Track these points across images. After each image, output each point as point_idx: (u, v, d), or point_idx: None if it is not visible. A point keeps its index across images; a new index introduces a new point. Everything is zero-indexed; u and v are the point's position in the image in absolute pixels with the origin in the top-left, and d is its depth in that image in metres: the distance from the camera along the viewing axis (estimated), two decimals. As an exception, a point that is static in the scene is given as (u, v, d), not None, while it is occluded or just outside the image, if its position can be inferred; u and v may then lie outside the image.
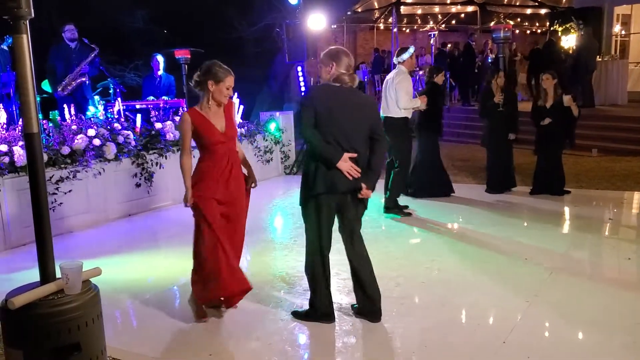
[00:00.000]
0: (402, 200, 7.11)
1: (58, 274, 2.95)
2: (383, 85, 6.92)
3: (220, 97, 3.95)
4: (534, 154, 7.75)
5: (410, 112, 6.79)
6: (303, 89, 11.49)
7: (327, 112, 3.66)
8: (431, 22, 22.91)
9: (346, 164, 3.66)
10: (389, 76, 6.87)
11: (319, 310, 3.95)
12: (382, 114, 6.69)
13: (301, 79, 11.48)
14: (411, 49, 6.77)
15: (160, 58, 9.12)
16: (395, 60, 6.82)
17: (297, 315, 4.09)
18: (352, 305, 4.15)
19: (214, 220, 3.91)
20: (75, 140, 6.58)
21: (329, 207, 3.78)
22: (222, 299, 4.15)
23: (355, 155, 3.70)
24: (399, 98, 6.54)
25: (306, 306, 4.10)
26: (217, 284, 3.95)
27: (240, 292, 4.10)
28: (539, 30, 23.35)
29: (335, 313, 4.09)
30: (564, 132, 7.68)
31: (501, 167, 7.74)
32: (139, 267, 5.36)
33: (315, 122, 3.67)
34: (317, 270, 3.90)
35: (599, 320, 3.92)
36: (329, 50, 3.88)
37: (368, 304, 3.96)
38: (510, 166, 7.89)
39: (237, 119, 8.95)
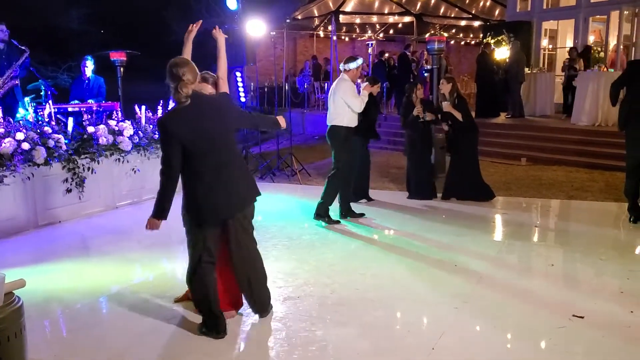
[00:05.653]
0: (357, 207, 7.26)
1: (-21, 286, 2.85)
2: (328, 95, 6.84)
3: None
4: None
5: (356, 121, 6.73)
6: (242, 94, 11.45)
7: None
8: (369, 32, 23.27)
9: None
10: (333, 86, 6.82)
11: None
12: (327, 123, 6.73)
13: (240, 84, 11.45)
14: (359, 60, 6.72)
15: (89, 61, 8.86)
16: (341, 66, 6.71)
17: None
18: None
19: None
20: (3, 144, 6.33)
21: None
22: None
23: None
24: (352, 105, 6.52)
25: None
26: None
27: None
28: (472, 42, 24.10)
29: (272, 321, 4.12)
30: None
31: (422, 176, 8.04)
32: (69, 275, 5.19)
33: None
34: None
35: (524, 325, 4.08)
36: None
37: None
38: (431, 176, 8.23)
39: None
